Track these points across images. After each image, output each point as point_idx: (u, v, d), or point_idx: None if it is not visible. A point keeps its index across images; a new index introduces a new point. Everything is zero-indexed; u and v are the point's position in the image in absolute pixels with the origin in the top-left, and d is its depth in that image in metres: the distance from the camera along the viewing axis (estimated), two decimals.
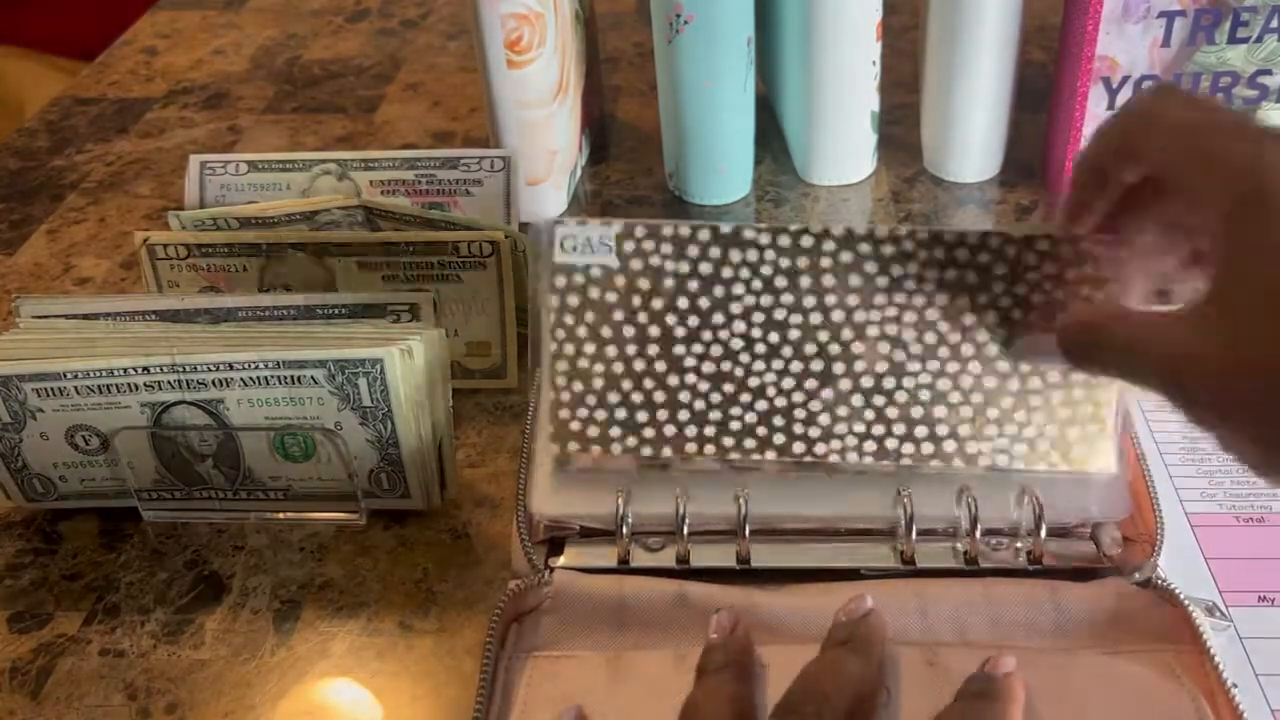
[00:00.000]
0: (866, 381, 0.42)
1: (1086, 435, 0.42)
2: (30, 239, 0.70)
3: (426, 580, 0.46)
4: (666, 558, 0.44)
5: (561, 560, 0.44)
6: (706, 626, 0.41)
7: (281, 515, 0.49)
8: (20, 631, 0.46)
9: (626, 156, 0.73)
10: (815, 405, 0.42)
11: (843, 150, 0.68)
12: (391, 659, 0.44)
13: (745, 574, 0.43)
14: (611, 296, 0.42)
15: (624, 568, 0.43)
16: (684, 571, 0.43)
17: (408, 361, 0.45)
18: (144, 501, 0.49)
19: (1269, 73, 0.61)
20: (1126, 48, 0.60)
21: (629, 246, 0.42)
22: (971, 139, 0.66)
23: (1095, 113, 0.62)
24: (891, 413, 0.42)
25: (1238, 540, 0.45)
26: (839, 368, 0.42)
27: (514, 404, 0.54)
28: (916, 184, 0.68)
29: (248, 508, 0.49)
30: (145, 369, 0.46)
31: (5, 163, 0.78)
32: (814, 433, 0.42)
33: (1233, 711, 0.36)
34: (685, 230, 0.42)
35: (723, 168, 0.67)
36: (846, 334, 0.42)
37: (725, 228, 0.42)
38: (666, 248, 0.42)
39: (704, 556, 0.43)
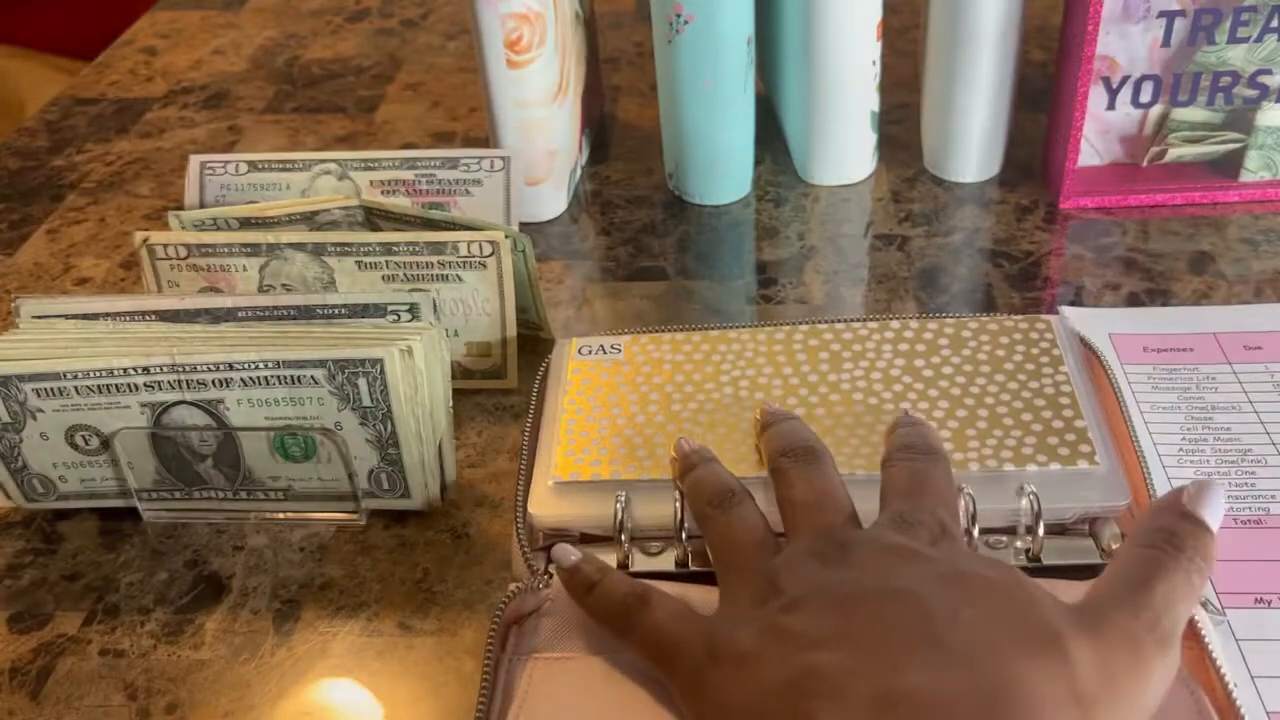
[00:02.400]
0: (848, 418, 0.46)
1: (1065, 439, 0.44)
2: (30, 239, 0.70)
3: (426, 580, 0.46)
4: (666, 561, 0.44)
5: None
6: None
7: (281, 515, 0.49)
8: (20, 632, 0.46)
9: (626, 156, 0.74)
10: None
11: (843, 150, 0.68)
12: (391, 659, 0.44)
13: None
14: (619, 377, 0.49)
15: (624, 571, 0.43)
16: (684, 575, 0.43)
17: (408, 361, 0.45)
18: (144, 501, 0.49)
19: (1269, 72, 0.61)
20: (1127, 47, 0.60)
21: (635, 349, 0.51)
22: (971, 139, 0.66)
23: (1095, 112, 0.62)
24: (876, 437, 0.45)
25: (1235, 542, 0.45)
26: (820, 411, 0.47)
27: (514, 404, 0.54)
28: (916, 184, 0.68)
29: (248, 508, 0.49)
30: (145, 369, 0.46)
31: (5, 163, 0.78)
32: None
33: (1233, 710, 0.36)
34: (680, 335, 0.51)
35: (722, 168, 0.67)
36: (823, 389, 0.48)
37: (714, 332, 0.51)
38: (666, 348, 0.50)
39: (703, 560, 0.43)
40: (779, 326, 0.51)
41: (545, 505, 0.44)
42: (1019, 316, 0.50)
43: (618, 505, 0.43)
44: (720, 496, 0.41)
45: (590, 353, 0.51)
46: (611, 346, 0.51)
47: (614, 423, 0.47)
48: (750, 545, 0.39)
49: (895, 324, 0.50)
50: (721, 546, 0.40)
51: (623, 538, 0.43)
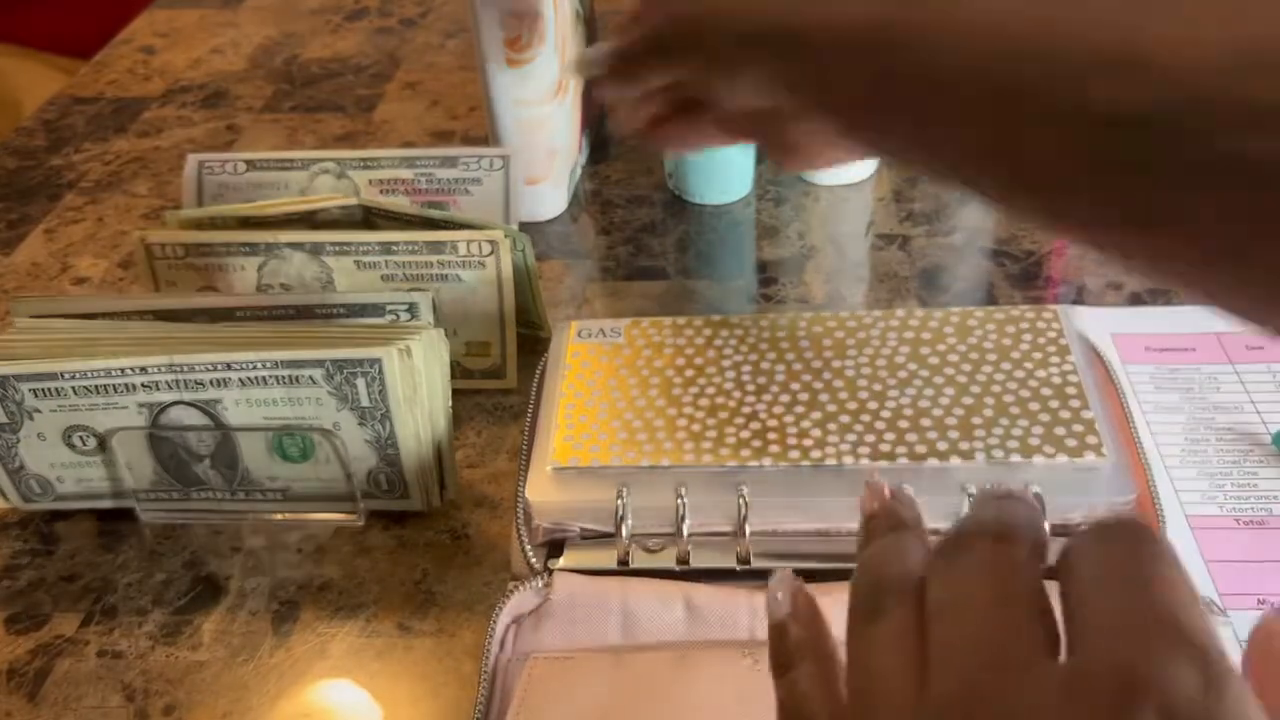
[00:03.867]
0: (851, 405, 0.46)
1: (1073, 430, 0.44)
2: (28, 238, 0.70)
3: (425, 581, 0.46)
4: (666, 559, 0.44)
5: (561, 562, 0.44)
6: (707, 627, 0.41)
7: (279, 516, 0.49)
8: (18, 633, 0.46)
9: (626, 156, 0.73)
10: (806, 423, 0.45)
11: None
12: (390, 660, 0.43)
13: (745, 574, 0.43)
14: (619, 360, 0.49)
15: (624, 569, 0.43)
16: (684, 573, 0.43)
17: (406, 361, 0.45)
18: (141, 502, 0.49)
19: None
20: None
21: (635, 332, 0.50)
22: None
23: None
24: (880, 425, 0.45)
25: (1237, 543, 0.44)
26: (824, 398, 0.46)
27: (513, 404, 0.54)
28: (918, 183, 0.68)
29: (245, 508, 0.49)
30: (143, 369, 0.45)
31: (3, 162, 0.78)
32: (808, 442, 0.45)
33: None
34: (682, 320, 0.51)
35: (722, 167, 0.67)
36: (827, 375, 0.47)
37: (715, 318, 0.51)
38: (667, 332, 0.50)
39: (704, 558, 0.43)
40: (782, 312, 0.51)
41: (544, 492, 0.44)
42: (1025, 306, 0.50)
43: (619, 501, 0.43)
44: (875, 600, 0.26)
45: (590, 336, 0.50)
46: (611, 330, 0.50)
47: (614, 407, 0.47)
48: (890, 680, 0.24)
49: (900, 312, 0.50)
50: (855, 671, 0.25)
51: (624, 532, 0.43)
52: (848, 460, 0.43)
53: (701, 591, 0.42)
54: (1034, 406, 0.45)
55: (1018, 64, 0.29)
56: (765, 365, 0.48)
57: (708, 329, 0.50)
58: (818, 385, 0.47)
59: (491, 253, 0.52)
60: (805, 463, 0.44)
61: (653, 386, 0.47)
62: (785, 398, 0.46)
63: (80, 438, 0.47)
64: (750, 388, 0.47)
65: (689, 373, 0.48)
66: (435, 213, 0.55)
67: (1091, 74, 0.27)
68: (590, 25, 0.72)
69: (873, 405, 0.46)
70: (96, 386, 0.46)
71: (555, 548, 0.44)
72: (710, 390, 0.47)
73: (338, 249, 0.52)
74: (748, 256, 0.64)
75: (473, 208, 0.58)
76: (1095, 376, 0.47)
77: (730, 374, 0.48)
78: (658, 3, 0.40)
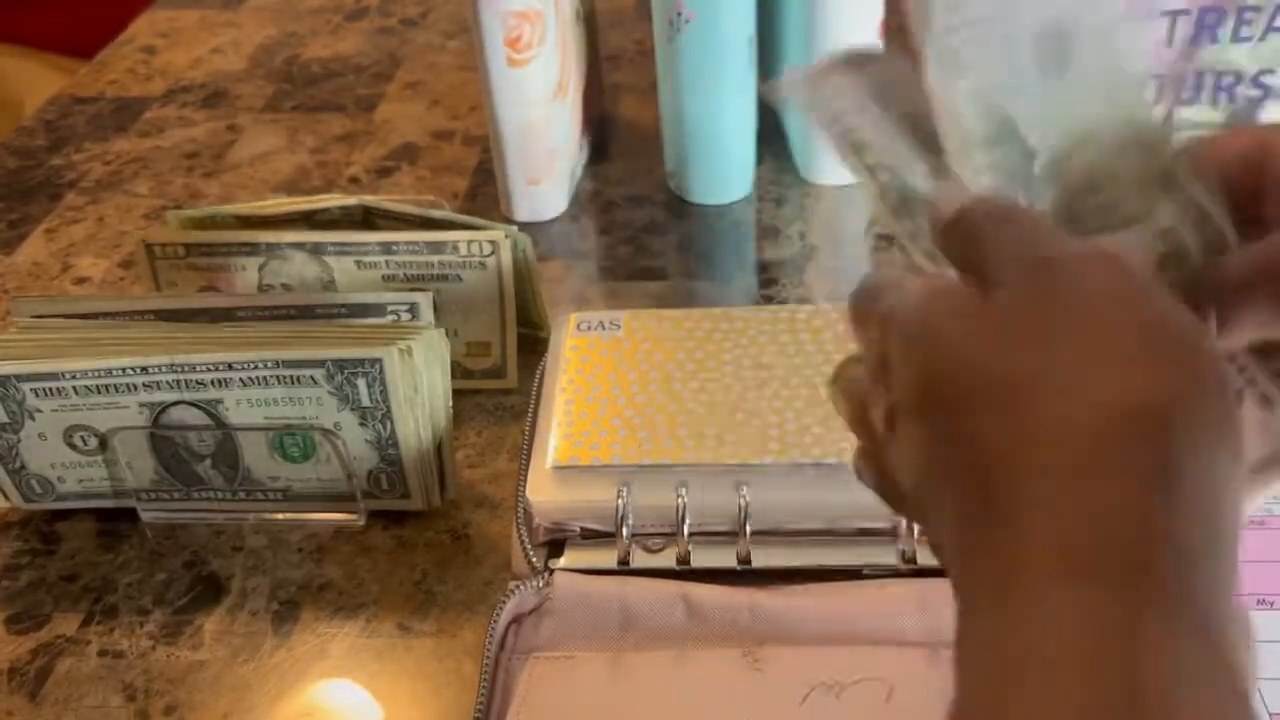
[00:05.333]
0: None
1: None
2: (29, 238, 0.70)
3: (426, 581, 0.46)
4: (667, 559, 0.44)
5: (562, 562, 0.44)
6: (707, 627, 0.41)
7: (280, 516, 0.49)
8: (19, 632, 0.46)
9: (626, 156, 0.73)
10: (807, 420, 0.45)
11: None
12: (390, 660, 0.43)
13: (746, 574, 0.43)
14: (619, 355, 0.49)
15: (624, 569, 0.43)
16: (685, 572, 0.43)
17: (407, 361, 0.45)
18: (142, 502, 0.49)
19: (1272, 72, 0.61)
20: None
21: (635, 325, 0.50)
22: None
23: None
24: None
25: None
26: (825, 392, 0.44)
27: (514, 404, 0.54)
28: None
29: (246, 508, 0.49)
30: (144, 369, 0.45)
31: (3, 162, 0.78)
32: (808, 439, 0.45)
33: None
34: (682, 313, 0.51)
35: (723, 167, 0.67)
36: (827, 369, 0.45)
37: (715, 311, 0.51)
38: (667, 325, 0.50)
39: (705, 557, 0.43)
40: (783, 304, 0.51)
41: (544, 491, 0.44)
42: None
43: (620, 501, 0.43)
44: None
45: (589, 329, 0.50)
46: (611, 322, 0.50)
47: (614, 403, 0.47)
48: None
49: None
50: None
51: (624, 532, 0.43)
52: (848, 457, 0.43)
53: (701, 591, 0.42)
54: None
55: None
56: (766, 358, 0.48)
57: (707, 322, 0.50)
58: (818, 380, 0.47)
59: (492, 253, 0.52)
60: (806, 460, 0.44)
61: (653, 381, 0.47)
62: (786, 393, 0.46)
63: (81, 437, 0.47)
64: (751, 383, 0.47)
65: (690, 367, 0.48)
66: (436, 213, 0.55)
67: None
68: (590, 24, 0.72)
69: None
70: (97, 386, 0.46)
71: (556, 547, 0.44)
72: (711, 385, 0.47)
73: (339, 249, 0.52)
74: (748, 256, 0.64)
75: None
76: None
77: (730, 368, 0.48)
78: None
